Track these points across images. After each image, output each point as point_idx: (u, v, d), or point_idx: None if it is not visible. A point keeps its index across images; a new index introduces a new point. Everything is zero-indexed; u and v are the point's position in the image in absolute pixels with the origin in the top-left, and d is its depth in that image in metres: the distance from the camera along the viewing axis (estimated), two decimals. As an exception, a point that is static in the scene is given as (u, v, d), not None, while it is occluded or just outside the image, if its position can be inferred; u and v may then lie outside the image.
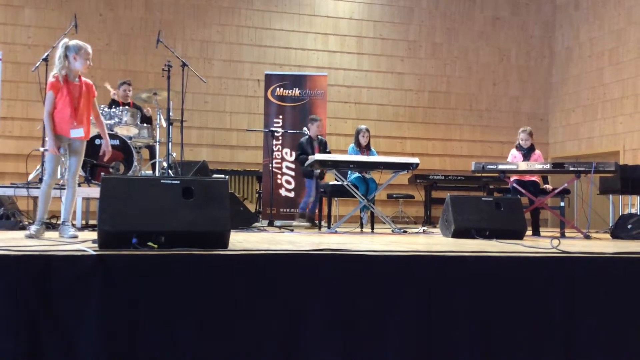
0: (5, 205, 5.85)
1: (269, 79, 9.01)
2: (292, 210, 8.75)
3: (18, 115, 9.34)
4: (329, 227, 6.89)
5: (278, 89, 8.91)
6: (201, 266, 2.81)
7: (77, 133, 4.26)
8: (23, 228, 5.03)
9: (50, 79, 4.26)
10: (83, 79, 4.39)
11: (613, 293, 3.23)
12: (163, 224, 3.15)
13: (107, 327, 2.63)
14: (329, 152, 7.74)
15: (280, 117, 8.83)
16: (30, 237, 4.05)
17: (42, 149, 4.66)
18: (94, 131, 6.50)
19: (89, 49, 4.31)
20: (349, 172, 6.91)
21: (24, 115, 9.34)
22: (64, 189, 4.49)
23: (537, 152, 7.05)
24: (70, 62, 4.24)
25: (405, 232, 6.53)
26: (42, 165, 5.86)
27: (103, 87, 7.72)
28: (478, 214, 5.32)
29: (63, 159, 5.72)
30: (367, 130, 7.21)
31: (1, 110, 8.59)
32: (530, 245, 4.03)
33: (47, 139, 4.27)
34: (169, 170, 6.42)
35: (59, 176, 5.21)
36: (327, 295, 2.90)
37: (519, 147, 7.02)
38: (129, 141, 6.51)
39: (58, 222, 4.84)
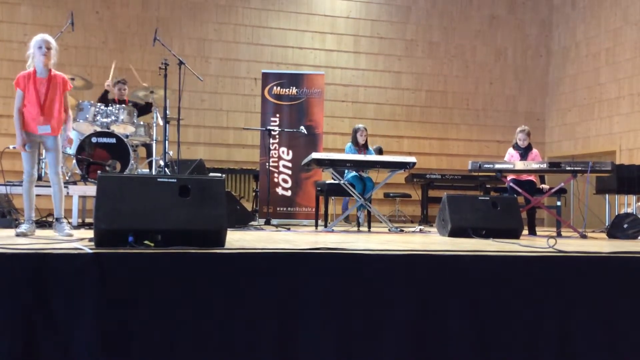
0: (1, 203, 5.83)
1: (266, 78, 8.99)
2: (289, 209, 8.75)
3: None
4: (325, 226, 6.89)
5: (275, 87, 8.89)
6: (198, 265, 2.80)
7: (44, 129, 4.25)
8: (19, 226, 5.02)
9: (18, 76, 4.25)
10: (55, 72, 4.32)
11: (609, 292, 3.23)
12: (159, 222, 3.14)
13: (103, 326, 2.62)
14: None
15: (277, 115, 8.82)
16: (19, 235, 4.03)
17: (12, 147, 4.66)
18: (89, 129, 6.53)
19: (39, 38, 4.23)
20: (346, 170, 6.91)
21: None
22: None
23: (535, 151, 7.06)
24: (34, 57, 4.23)
25: (402, 231, 6.53)
26: (38, 163, 5.85)
27: (105, 81, 7.64)
28: (474, 213, 5.32)
29: (42, 157, 5.70)
30: (365, 129, 7.21)
31: (-3, 107, 8.57)
32: (526, 245, 4.04)
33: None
34: (166, 169, 6.41)
35: (40, 175, 5.19)
36: (324, 294, 2.90)
37: (516, 147, 7.02)
38: (125, 139, 6.49)
39: (52, 220, 4.83)
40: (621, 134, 10.23)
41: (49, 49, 4.21)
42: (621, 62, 10.27)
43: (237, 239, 4.07)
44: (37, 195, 4.54)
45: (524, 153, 6.94)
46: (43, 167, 6.35)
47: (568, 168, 6.34)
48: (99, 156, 6.33)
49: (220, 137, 10.53)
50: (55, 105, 4.29)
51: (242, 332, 2.78)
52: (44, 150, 5.20)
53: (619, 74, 10.30)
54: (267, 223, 7.35)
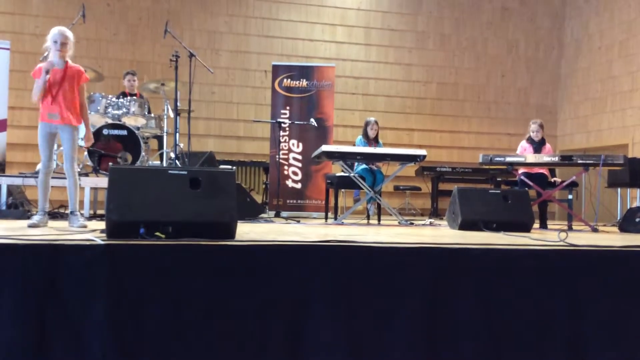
0: (14, 194, 5.89)
1: (277, 70, 8.99)
2: (299, 201, 8.76)
3: (26, 105, 9.36)
4: (335, 218, 6.89)
5: (285, 80, 8.89)
6: (208, 256, 2.81)
7: (54, 117, 4.30)
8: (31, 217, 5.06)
9: (35, 68, 4.33)
10: (71, 64, 4.38)
11: (620, 286, 3.22)
12: (170, 214, 3.16)
13: (114, 316, 2.64)
14: None
15: (288, 108, 8.82)
16: (32, 226, 4.07)
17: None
18: (101, 121, 6.57)
19: (56, 31, 4.30)
20: (357, 163, 6.90)
21: (32, 105, 9.33)
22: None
23: (548, 145, 7.01)
24: (51, 50, 4.31)
25: (412, 224, 6.52)
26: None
27: (116, 79, 7.66)
28: (485, 206, 5.30)
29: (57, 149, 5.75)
30: (376, 123, 7.20)
31: (9, 100, 8.62)
32: (537, 238, 4.02)
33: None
34: (176, 161, 6.43)
35: (54, 167, 5.24)
36: (333, 286, 2.91)
37: (530, 140, 6.98)
38: (136, 131, 6.52)
39: (67, 212, 4.87)
40: (634, 127, 10.13)
41: (64, 43, 4.29)
42: (635, 54, 10.17)
43: (247, 231, 4.08)
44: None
45: (538, 147, 6.89)
46: (56, 158, 6.38)
47: (580, 161, 6.30)
48: (111, 148, 6.36)
49: (230, 129, 10.55)
50: (69, 95, 4.33)
51: (252, 324, 2.79)
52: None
53: (633, 66, 10.20)
54: (277, 215, 7.36)
